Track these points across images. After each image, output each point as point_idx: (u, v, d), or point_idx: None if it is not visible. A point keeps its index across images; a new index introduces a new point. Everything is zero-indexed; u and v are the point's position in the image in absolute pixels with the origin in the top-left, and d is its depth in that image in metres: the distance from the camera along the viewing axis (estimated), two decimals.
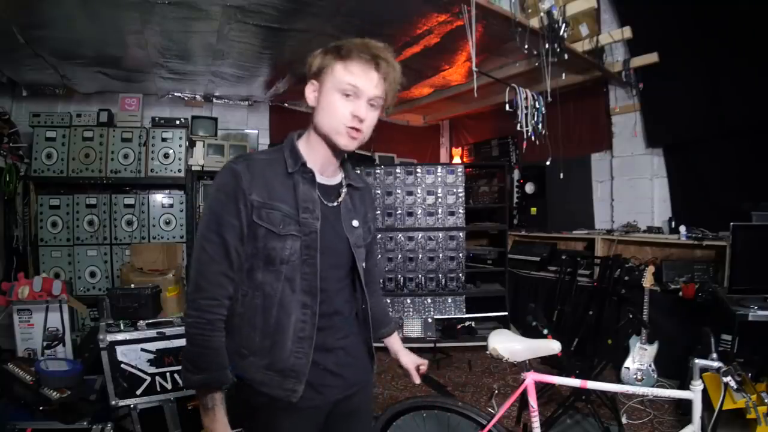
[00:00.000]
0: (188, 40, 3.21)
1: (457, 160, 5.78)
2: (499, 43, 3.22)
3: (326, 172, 1.12)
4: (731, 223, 2.61)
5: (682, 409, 2.60)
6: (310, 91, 1.07)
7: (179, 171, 4.01)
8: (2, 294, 2.59)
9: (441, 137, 6.32)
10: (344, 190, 1.15)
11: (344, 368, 1.12)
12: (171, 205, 4.03)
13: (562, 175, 3.73)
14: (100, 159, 3.85)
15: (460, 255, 4.10)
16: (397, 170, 4.13)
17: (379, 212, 4.02)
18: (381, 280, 3.96)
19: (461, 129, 6.10)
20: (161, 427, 2.13)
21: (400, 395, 2.99)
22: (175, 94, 4.59)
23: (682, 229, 3.32)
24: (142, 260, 3.53)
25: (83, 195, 3.83)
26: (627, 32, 3.40)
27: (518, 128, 3.09)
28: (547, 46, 2.87)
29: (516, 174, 4.82)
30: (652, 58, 3.57)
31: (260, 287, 1.03)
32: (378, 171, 4.13)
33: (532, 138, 3.10)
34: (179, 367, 1.58)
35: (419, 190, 4.09)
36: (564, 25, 2.89)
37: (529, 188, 4.57)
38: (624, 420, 2.56)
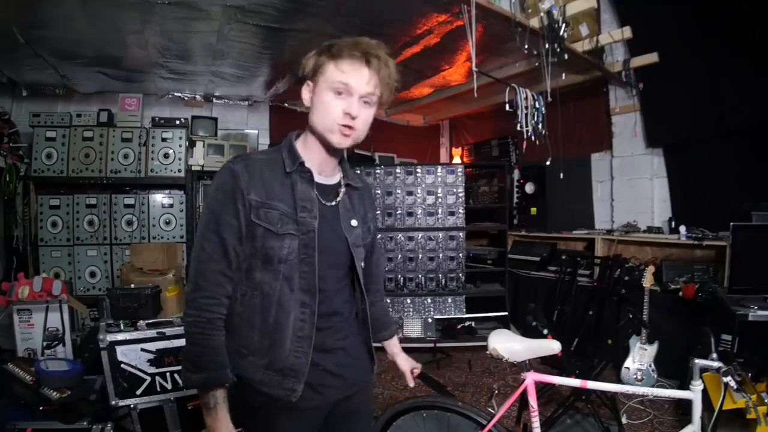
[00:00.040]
0: (188, 40, 3.21)
1: (457, 160, 5.78)
2: (499, 43, 3.22)
3: (324, 171, 1.12)
4: (731, 223, 2.61)
5: (682, 409, 2.61)
6: (305, 92, 1.08)
7: (179, 171, 4.01)
8: (2, 294, 2.59)
9: (441, 137, 6.31)
10: (343, 189, 1.16)
11: (344, 369, 1.12)
12: (171, 205, 4.03)
13: (562, 175, 3.73)
14: (100, 159, 3.85)
15: (460, 255, 4.10)
16: (397, 170, 4.13)
17: (379, 212, 4.02)
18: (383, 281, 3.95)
19: (461, 129, 6.10)
20: (161, 427, 2.13)
21: (400, 395, 2.98)
22: (175, 94, 4.59)
23: (682, 229, 3.32)
24: (142, 260, 3.53)
25: (83, 195, 3.83)
26: (627, 32, 3.40)
27: (518, 128, 3.09)
28: (547, 46, 2.87)
29: (516, 174, 4.82)
30: (652, 58, 3.57)
31: (259, 287, 1.03)
32: (378, 171, 4.13)
33: (532, 138, 3.10)
34: (179, 367, 1.58)
35: (419, 190, 4.09)
36: (564, 25, 2.89)
37: (529, 188, 4.57)
38: (624, 420, 2.56)
